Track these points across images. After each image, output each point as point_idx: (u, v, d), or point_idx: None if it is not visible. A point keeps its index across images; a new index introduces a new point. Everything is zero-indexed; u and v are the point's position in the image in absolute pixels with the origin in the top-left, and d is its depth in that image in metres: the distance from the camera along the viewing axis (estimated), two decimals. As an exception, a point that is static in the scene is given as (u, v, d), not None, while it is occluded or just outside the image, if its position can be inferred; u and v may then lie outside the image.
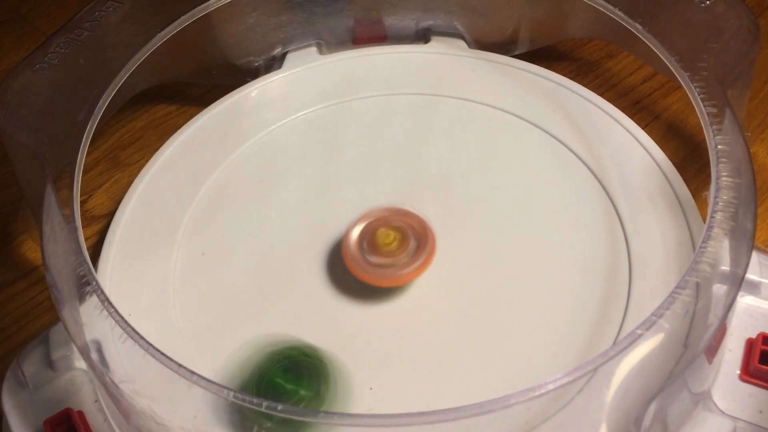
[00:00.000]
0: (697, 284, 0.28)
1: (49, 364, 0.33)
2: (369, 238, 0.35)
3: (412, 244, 0.35)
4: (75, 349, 0.33)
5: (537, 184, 0.39)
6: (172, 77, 0.47)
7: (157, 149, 0.43)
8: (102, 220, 0.43)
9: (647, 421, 0.27)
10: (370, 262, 0.34)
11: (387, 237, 0.35)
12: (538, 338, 0.33)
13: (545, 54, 0.49)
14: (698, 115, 0.34)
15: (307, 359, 0.31)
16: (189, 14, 0.41)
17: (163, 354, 0.26)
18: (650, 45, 0.38)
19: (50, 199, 0.32)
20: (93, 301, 0.28)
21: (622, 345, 0.26)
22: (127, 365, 0.28)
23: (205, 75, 0.48)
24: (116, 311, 0.28)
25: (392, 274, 0.34)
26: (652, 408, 0.27)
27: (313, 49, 0.48)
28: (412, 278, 0.35)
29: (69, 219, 0.31)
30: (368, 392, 0.32)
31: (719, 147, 0.32)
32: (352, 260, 0.35)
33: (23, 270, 0.41)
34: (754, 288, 0.34)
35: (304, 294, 0.36)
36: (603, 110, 0.42)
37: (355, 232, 0.36)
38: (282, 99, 0.45)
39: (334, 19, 0.47)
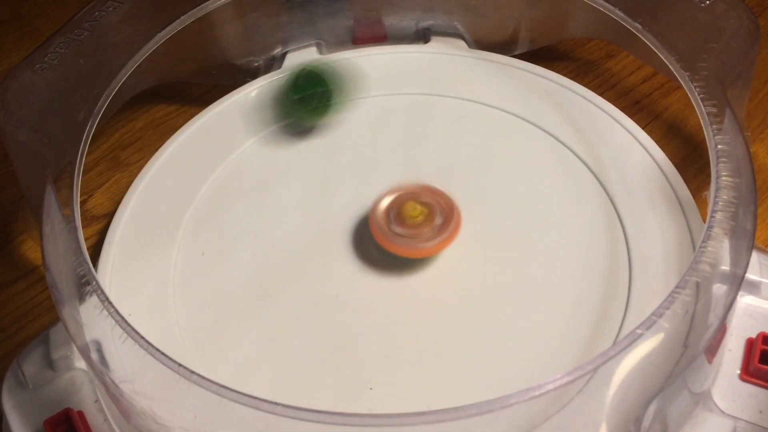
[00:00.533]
0: (697, 284, 0.28)
1: (49, 364, 0.33)
2: (396, 210, 0.36)
3: (438, 220, 0.35)
4: (75, 349, 0.33)
5: (537, 184, 0.39)
6: (172, 77, 0.47)
7: (157, 149, 0.43)
8: (102, 220, 0.43)
9: (647, 421, 0.27)
10: (395, 232, 0.35)
11: (414, 210, 0.36)
12: (538, 338, 0.33)
13: (545, 54, 0.49)
14: (698, 114, 0.34)
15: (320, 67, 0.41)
16: (189, 14, 0.41)
17: (163, 354, 0.26)
18: (650, 45, 0.38)
19: (50, 199, 0.32)
20: (93, 301, 0.28)
21: (622, 345, 0.26)
22: (127, 365, 0.28)
23: (205, 75, 0.48)
24: (116, 311, 0.28)
25: (415, 245, 0.35)
26: (652, 408, 0.27)
27: (313, 49, 0.48)
28: (436, 252, 0.35)
29: (69, 219, 0.31)
30: (368, 392, 0.32)
31: (719, 147, 0.32)
32: (378, 228, 0.35)
33: (23, 270, 0.41)
34: (754, 288, 0.34)
35: (304, 293, 0.36)
36: (603, 110, 0.42)
37: (384, 203, 0.36)
38: (282, 99, 0.45)
39: (334, 19, 0.47)
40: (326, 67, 0.41)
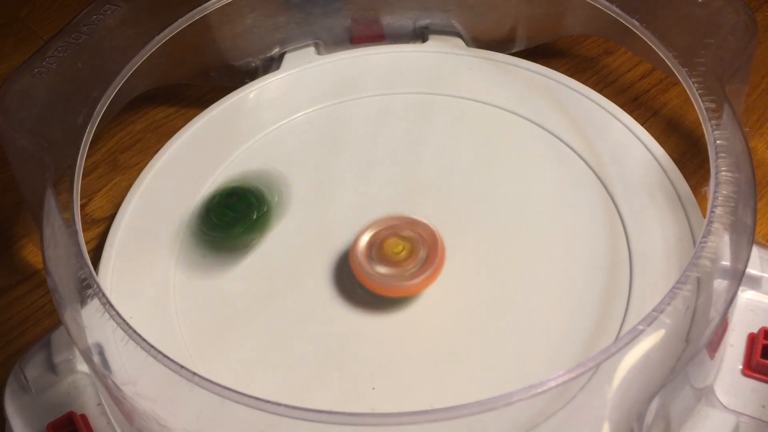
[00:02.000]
0: (698, 279, 0.28)
1: (52, 367, 0.33)
2: (377, 248, 0.35)
3: (422, 254, 0.35)
4: (77, 352, 0.33)
5: (537, 182, 0.39)
6: (170, 79, 0.47)
7: (156, 151, 0.43)
8: (102, 223, 0.43)
9: (650, 417, 0.27)
10: (379, 272, 0.34)
11: (396, 247, 0.35)
12: (540, 335, 0.33)
13: (543, 51, 0.49)
14: (697, 110, 0.34)
15: (243, 195, 0.38)
16: (186, 16, 0.41)
17: (164, 356, 0.27)
18: (648, 41, 0.38)
19: (50, 202, 0.32)
20: (94, 304, 0.28)
21: (623, 341, 0.26)
22: (129, 368, 0.28)
23: (204, 77, 0.48)
24: (117, 314, 0.28)
25: (400, 284, 0.34)
26: (655, 404, 0.27)
27: (311, 50, 0.48)
28: (420, 289, 0.34)
29: (69, 222, 0.31)
30: (371, 392, 0.32)
31: (718, 142, 0.32)
32: (360, 269, 0.34)
33: (24, 274, 0.41)
34: (755, 283, 0.34)
35: (305, 293, 0.36)
36: (602, 107, 0.42)
37: (364, 240, 0.35)
38: (281, 99, 0.45)
39: (332, 19, 0.47)
40: (243, 185, 0.38)
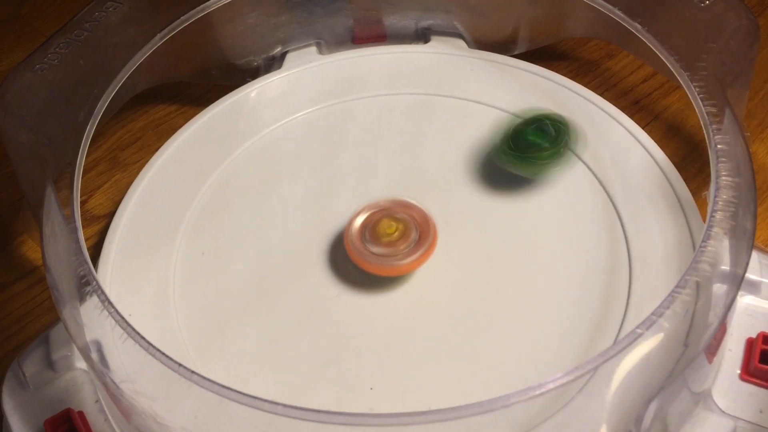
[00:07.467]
0: (697, 283, 0.28)
1: (50, 364, 0.33)
2: (371, 228, 0.35)
3: (414, 235, 0.35)
4: (75, 349, 0.33)
5: (536, 183, 0.39)
6: (171, 77, 0.47)
7: (156, 149, 0.43)
8: (102, 220, 0.43)
9: (647, 420, 0.27)
10: (371, 252, 0.35)
11: (389, 227, 0.35)
12: (539, 337, 0.33)
13: (545, 54, 0.49)
14: (698, 114, 0.34)
15: (553, 123, 0.39)
16: (188, 14, 0.41)
17: (163, 354, 0.27)
18: (650, 45, 0.38)
19: (50, 199, 0.32)
20: (93, 301, 0.28)
21: (622, 344, 0.26)
22: (127, 365, 0.28)
23: (205, 75, 0.48)
24: (116, 311, 0.28)
25: (392, 263, 0.34)
26: (653, 407, 0.27)
27: (313, 49, 0.48)
28: (412, 269, 0.35)
29: (69, 219, 0.31)
30: (369, 392, 0.32)
31: (719, 146, 0.32)
32: (354, 249, 0.35)
33: (24, 270, 0.41)
34: (754, 287, 0.34)
35: (304, 293, 0.36)
36: (603, 110, 0.42)
37: (358, 222, 0.36)
38: (282, 99, 0.45)
39: (334, 18, 0.47)
40: (556, 122, 0.39)
